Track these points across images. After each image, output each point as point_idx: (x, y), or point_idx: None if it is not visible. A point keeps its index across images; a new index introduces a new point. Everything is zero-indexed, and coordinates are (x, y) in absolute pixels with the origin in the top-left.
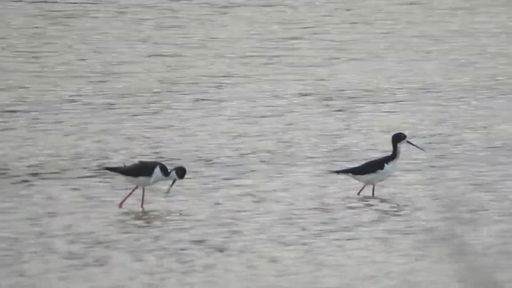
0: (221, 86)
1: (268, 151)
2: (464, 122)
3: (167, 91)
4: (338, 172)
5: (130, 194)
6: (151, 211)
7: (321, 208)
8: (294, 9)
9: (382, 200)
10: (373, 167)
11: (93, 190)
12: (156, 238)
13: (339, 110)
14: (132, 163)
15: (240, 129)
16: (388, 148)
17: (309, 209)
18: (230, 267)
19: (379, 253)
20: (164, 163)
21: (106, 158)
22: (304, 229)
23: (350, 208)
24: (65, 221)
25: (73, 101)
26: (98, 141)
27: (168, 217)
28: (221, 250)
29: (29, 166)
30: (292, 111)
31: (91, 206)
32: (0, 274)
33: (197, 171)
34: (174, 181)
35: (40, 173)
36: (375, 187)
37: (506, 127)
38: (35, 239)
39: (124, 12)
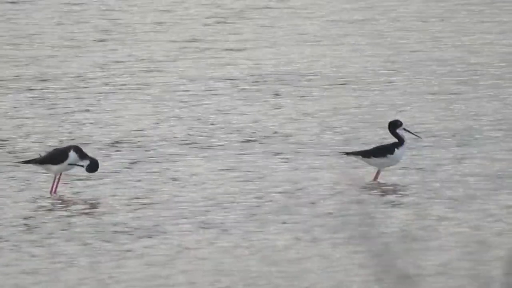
0: (145, 71)
1: (187, 135)
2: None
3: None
4: (347, 153)
5: (58, 180)
6: (69, 195)
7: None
8: None
9: (291, 189)
10: (383, 151)
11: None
12: (73, 224)
13: (263, 95)
14: (47, 151)
15: (162, 113)
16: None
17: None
18: (149, 252)
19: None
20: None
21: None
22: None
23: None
24: None
25: None
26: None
27: (82, 202)
28: (139, 235)
29: None
30: (214, 96)
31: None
32: None
33: (115, 154)
34: (81, 166)
35: None
36: (381, 173)
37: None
38: None
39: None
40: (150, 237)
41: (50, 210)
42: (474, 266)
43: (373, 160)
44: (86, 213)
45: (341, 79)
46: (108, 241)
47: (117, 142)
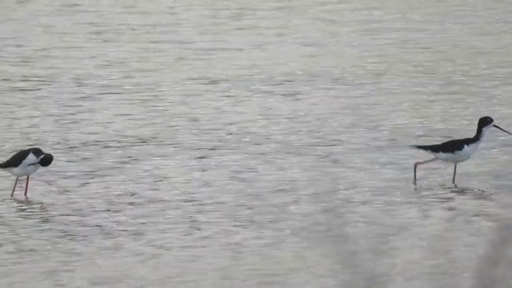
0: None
1: (152, 137)
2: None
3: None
4: (418, 147)
5: (27, 182)
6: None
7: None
8: None
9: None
10: (452, 147)
11: None
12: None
13: (229, 96)
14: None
15: (126, 114)
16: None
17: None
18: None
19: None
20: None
21: None
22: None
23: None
24: None
25: None
26: None
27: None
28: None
29: None
30: (199, 97)
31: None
32: None
33: (99, 155)
34: (37, 163)
35: None
36: (457, 169)
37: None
38: None
39: None
40: (128, 236)
41: (23, 210)
42: (443, 266)
43: (441, 154)
44: (58, 213)
45: (332, 79)
46: (82, 240)
47: (98, 141)
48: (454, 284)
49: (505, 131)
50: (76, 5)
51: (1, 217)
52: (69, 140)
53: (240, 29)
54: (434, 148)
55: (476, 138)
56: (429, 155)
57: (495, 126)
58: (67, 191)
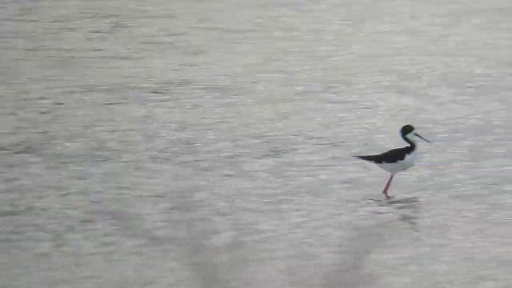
0: None
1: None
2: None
3: None
4: (361, 157)
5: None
6: None
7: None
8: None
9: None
10: (395, 156)
11: None
12: None
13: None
14: None
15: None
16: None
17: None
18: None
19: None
20: None
21: None
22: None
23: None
24: None
25: None
26: None
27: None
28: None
29: None
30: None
31: None
32: None
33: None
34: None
35: None
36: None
37: None
38: None
39: None
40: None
41: None
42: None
43: (386, 165)
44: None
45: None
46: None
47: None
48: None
49: (424, 139)
50: None
51: None
52: None
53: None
54: (377, 159)
55: (412, 146)
56: (371, 165)
57: (415, 134)
58: None
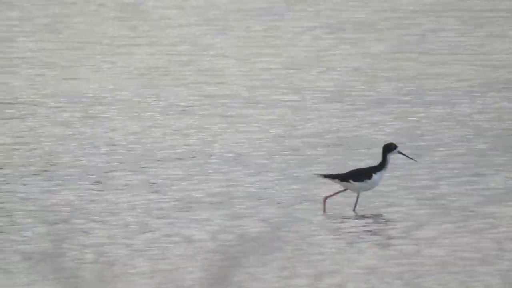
0: None
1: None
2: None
3: None
4: (325, 176)
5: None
6: None
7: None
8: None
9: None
10: (361, 176)
11: None
12: None
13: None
14: None
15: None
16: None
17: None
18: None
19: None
20: None
21: None
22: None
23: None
24: None
25: None
26: None
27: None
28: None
29: None
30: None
31: None
32: None
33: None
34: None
35: None
36: (359, 199)
37: None
38: None
39: None
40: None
41: None
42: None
43: (352, 184)
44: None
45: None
46: None
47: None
48: None
49: (408, 157)
50: None
51: None
52: None
53: None
54: (342, 177)
55: (381, 165)
56: (334, 184)
57: (399, 152)
58: None
